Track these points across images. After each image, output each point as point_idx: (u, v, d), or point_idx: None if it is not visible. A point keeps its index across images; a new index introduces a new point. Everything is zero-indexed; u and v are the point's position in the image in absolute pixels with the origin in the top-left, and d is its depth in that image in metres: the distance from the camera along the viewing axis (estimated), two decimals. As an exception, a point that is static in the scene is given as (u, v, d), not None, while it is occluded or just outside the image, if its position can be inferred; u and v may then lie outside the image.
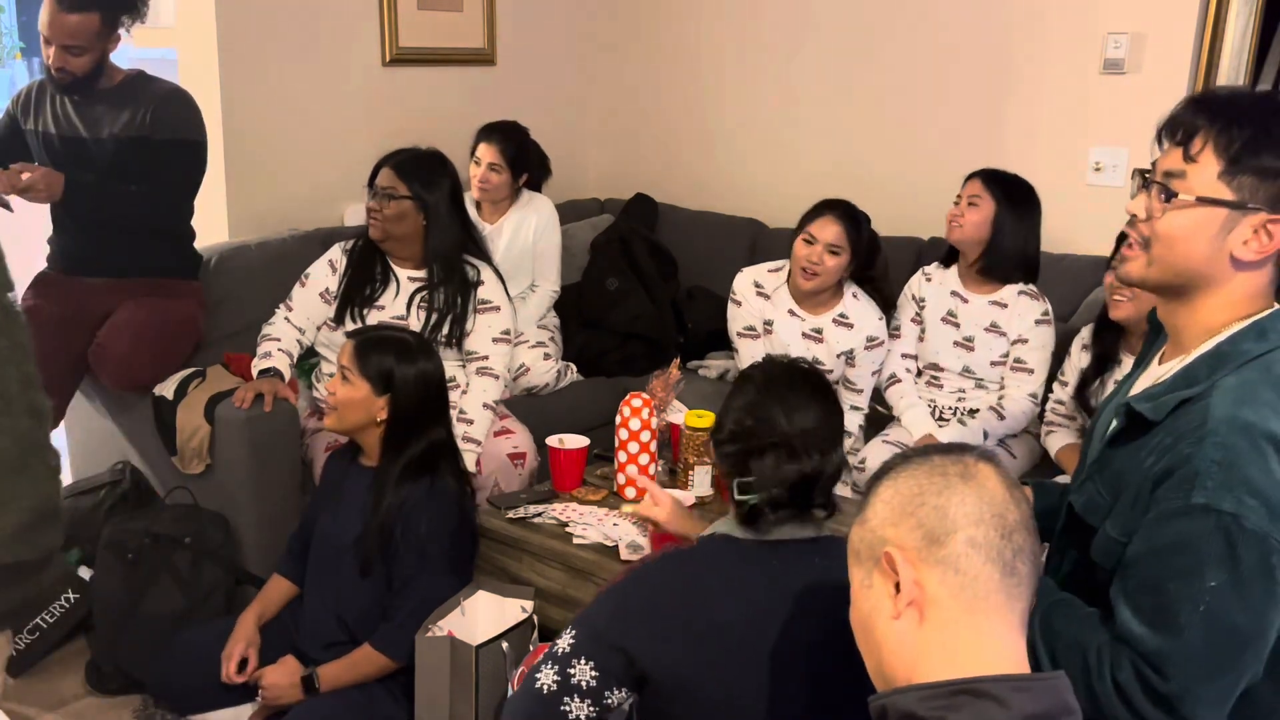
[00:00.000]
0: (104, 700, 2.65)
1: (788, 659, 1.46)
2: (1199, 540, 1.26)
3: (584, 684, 1.48)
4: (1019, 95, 3.55)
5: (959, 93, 3.67)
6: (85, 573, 2.78)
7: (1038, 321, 2.95)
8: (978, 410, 3.00)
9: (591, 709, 1.48)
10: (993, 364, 3.01)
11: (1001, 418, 2.95)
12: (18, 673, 2.69)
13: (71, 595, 2.75)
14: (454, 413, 2.71)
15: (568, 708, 1.48)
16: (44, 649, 2.76)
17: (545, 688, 1.50)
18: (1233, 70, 3.23)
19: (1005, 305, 2.98)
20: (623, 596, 1.55)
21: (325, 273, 2.95)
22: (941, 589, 1.07)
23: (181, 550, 2.66)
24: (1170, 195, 1.35)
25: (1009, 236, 2.93)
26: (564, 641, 1.52)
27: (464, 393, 2.86)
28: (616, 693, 1.49)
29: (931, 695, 1.02)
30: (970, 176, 2.99)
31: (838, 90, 3.94)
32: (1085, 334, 2.87)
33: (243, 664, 2.32)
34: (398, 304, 2.91)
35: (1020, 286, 2.98)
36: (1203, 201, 1.33)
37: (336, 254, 2.97)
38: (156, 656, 2.44)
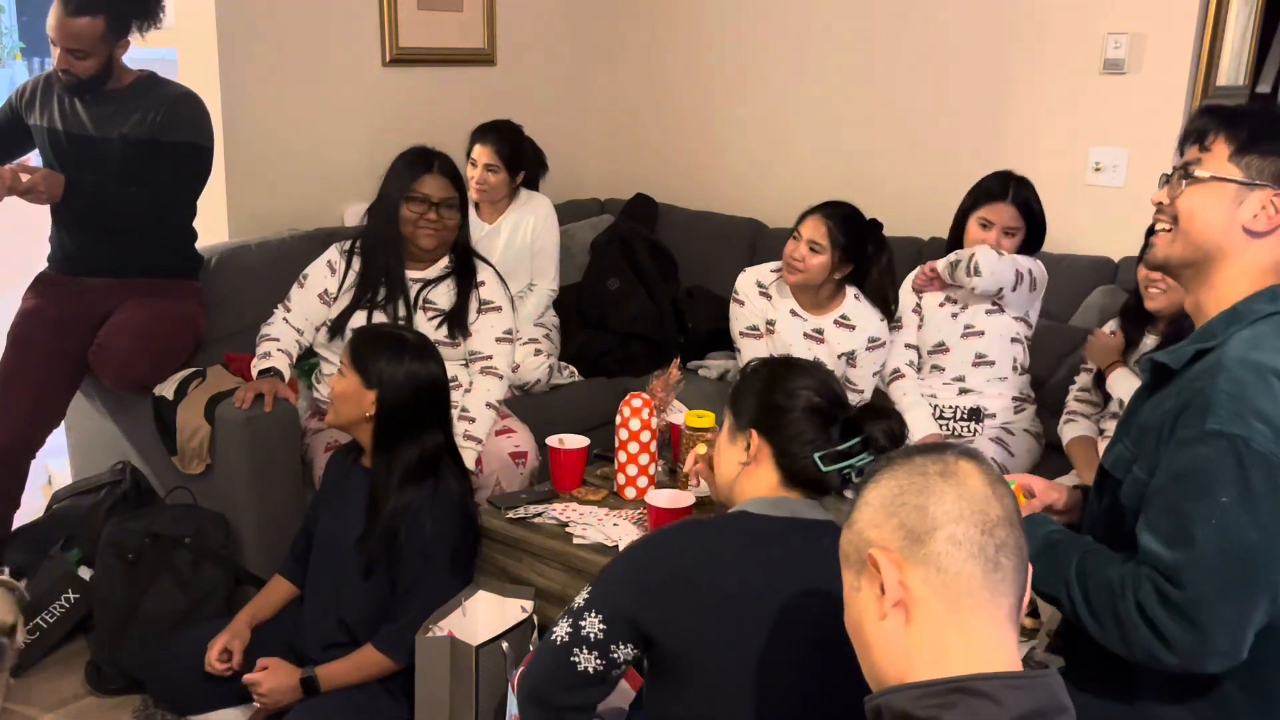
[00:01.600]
0: (104, 700, 2.65)
1: (791, 633, 1.50)
2: (1212, 462, 1.39)
3: (592, 636, 1.56)
4: (1019, 95, 3.55)
5: (959, 93, 3.67)
6: (85, 573, 2.78)
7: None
8: (976, 411, 2.99)
9: (599, 661, 1.57)
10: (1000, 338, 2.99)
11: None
12: (18, 673, 2.70)
13: (71, 595, 2.76)
14: (456, 411, 2.71)
15: (576, 658, 1.57)
16: (44, 649, 2.76)
17: (558, 639, 1.59)
18: (1233, 70, 3.23)
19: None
20: (635, 560, 1.63)
21: (324, 273, 2.95)
22: (925, 588, 1.07)
23: (181, 550, 2.66)
24: (1189, 178, 1.55)
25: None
26: (580, 597, 1.61)
27: (467, 391, 2.87)
28: (623, 648, 1.57)
29: (926, 694, 1.03)
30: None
31: (838, 90, 3.94)
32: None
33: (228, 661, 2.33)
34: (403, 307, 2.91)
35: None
36: (1217, 179, 1.53)
37: (334, 255, 2.96)
38: (156, 656, 2.44)
